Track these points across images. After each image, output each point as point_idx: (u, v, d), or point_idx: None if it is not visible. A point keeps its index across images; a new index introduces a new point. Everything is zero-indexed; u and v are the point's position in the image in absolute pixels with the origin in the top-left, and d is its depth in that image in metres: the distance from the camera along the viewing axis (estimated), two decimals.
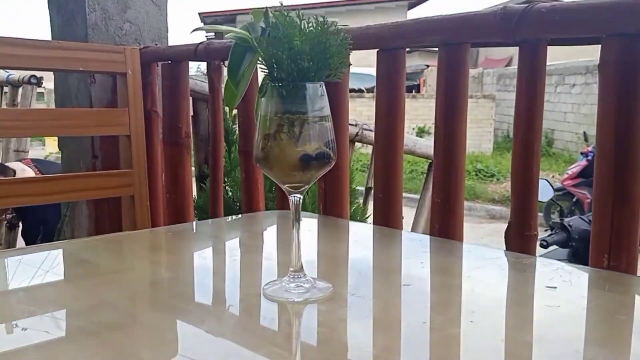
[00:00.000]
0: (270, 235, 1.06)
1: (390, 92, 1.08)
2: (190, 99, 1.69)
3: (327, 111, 0.67)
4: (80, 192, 1.25)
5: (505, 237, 0.95)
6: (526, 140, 0.91)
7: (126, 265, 0.84)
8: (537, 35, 0.88)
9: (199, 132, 2.29)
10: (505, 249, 0.96)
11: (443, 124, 1.00)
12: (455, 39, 0.98)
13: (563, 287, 0.70)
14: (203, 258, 0.89)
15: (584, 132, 7.33)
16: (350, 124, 2.38)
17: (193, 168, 2.02)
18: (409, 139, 2.41)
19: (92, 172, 1.29)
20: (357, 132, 2.30)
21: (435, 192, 1.02)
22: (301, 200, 0.70)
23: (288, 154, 0.65)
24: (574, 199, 5.95)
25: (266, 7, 0.70)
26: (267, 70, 0.66)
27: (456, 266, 0.82)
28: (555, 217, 5.75)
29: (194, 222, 1.21)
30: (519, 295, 0.69)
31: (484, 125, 10.53)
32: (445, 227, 1.01)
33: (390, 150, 1.08)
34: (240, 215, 1.16)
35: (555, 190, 6.16)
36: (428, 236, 1.01)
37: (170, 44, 1.86)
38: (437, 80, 1.01)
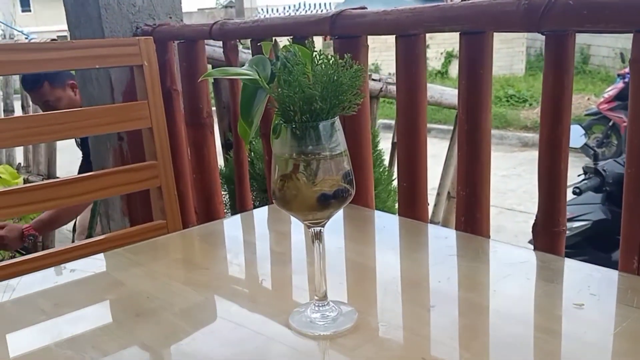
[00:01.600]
0: (299, 235, 1.06)
1: (410, 83, 1.04)
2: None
3: (343, 145, 0.66)
4: (110, 189, 1.27)
5: (532, 232, 0.94)
6: (554, 134, 0.88)
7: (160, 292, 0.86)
8: (563, 27, 0.83)
9: (220, 100, 2.27)
10: (533, 246, 0.95)
11: (466, 117, 0.97)
12: (476, 28, 0.93)
13: (590, 304, 0.70)
14: (231, 281, 0.90)
15: (621, 53, 6.99)
16: (373, 79, 2.33)
17: (218, 138, 2.02)
18: (435, 89, 2.33)
19: (120, 168, 1.31)
20: (381, 88, 2.24)
21: (460, 185, 1.00)
22: (322, 231, 0.70)
23: (305, 195, 0.65)
24: (610, 123, 5.78)
25: (274, 39, 0.67)
26: (278, 111, 0.64)
27: (482, 277, 0.82)
28: (591, 142, 5.60)
29: (224, 221, 1.21)
30: (546, 319, 0.69)
31: (515, 45, 10.09)
32: (471, 220, 1.00)
33: (412, 144, 1.06)
34: (266, 207, 1.17)
35: (590, 114, 5.97)
36: (454, 232, 1.01)
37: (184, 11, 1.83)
38: (458, 72, 0.97)
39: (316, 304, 0.72)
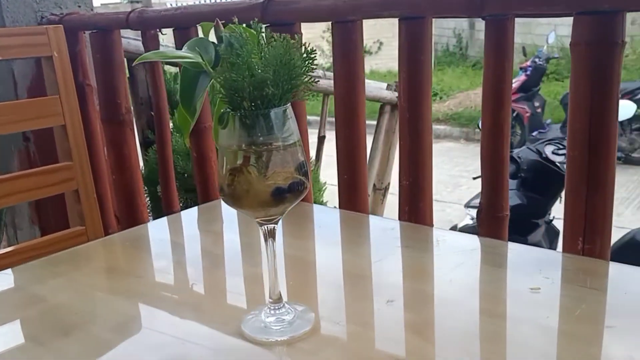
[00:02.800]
0: (233, 235, 1.00)
1: (348, 71, 1.01)
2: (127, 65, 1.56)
3: (296, 135, 0.61)
4: (18, 195, 1.14)
5: (477, 219, 0.94)
6: (495, 120, 0.88)
7: (86, 305, 0.77)
8: (505, 11, 0.83)
9: (138, 95, 2.14)
10: (478, 232, 0.95)
11: (408, 106, 0.95)
12: (416, 13, 0.91)
13: (546, 288, 0.70)
14: (163, 286, 0.83)
15: (523, 47, 7.38)
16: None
17: (137, 136, 1.90)
18: None
19: (29, 171, 1.18)
20: None
21: (403, 175, 0.98)
22: (275, 228, 0.64)
23: (258, 190, 0.59)
24: (514, 114, 6.08)
25: (216, 20, 0.61)
26: (225, 98, 0.59)
27: (436, 267, 0.80)
28: None
29: (149, 224, 1.12)
30: (507, 305, 0.68)
31: None
32: (415, 210, 0.98)
33: (352, 134, 1.03)
34: (195, 208, 1.09)
35: None
36: (398, 222, 0.99)
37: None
38: (398, 59, 0.94)
39: (270, 307, 0.67)
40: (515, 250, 0.83)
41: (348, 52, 1.00)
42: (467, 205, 2.98)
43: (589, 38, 0.75)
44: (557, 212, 2.90)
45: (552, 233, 2.87)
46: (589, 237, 0.81)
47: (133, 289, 0.78)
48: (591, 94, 0.77)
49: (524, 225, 2.68)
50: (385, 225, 0.96)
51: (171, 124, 1.77)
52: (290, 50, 0.57)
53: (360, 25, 0.99)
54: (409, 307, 0.69)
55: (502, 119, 0.87)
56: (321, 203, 1.98)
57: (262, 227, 0.64)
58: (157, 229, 1.08)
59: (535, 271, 0.75)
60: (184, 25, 1.25)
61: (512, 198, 2.83)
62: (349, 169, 1.05)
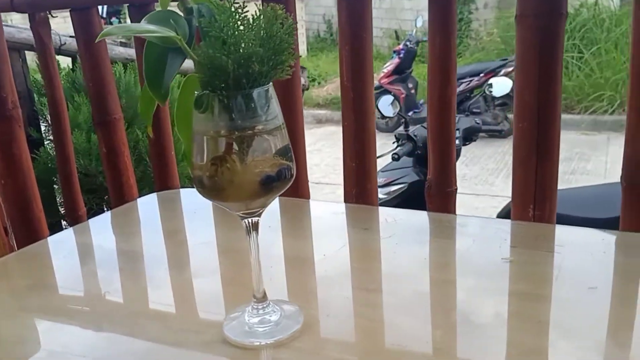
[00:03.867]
0: (155, 235, 0.92)
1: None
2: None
3: (281, 117, 0.55)
4: None
5: (426, 195, 0.94)
6: (443, 96, 0.88)
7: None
8: None
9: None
10: (427, 208, 0.95)
11: (352, 85, 0.92)
12: None
13: (517, 257, 0.71)
14: (125, 297, 0.73)
15: (395, 31, 7.68)
16: None
17: None
18: None
19: None
20: None
21: (348, 156, 0.96)
22: (259, 221, 0.59)
23: (244, 179, 0.53)
24: (392, 95, 6.33)
25: None
26: (201, 76, 0.52)
27: (405, 248, 0.78)
28: (377, 114, 6.09)
29: (48, 240, 0.97)
30: (495, 279, 0.68)
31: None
32: (362, 192, 0.97)
33: (291, 120, 0.98)
34: (108, 213, 0.99)
35: (375, 89, 6.49)
36: (344, 205, 0.96)
37: None
38: (340, 37, 0.91)
39: (254, 307, 0.61)
40: (473, 223, 0.84)
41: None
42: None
43: (537, 10, 0.77)
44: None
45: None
46: (540, 204, 0.84)
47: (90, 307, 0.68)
48: (539, 66, 0.79)
49: (423, 200, 2.78)
50: (336, 209, 0.93)
51: None
52: (275, 22, 0.51)
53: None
54: (396, 293, 0.67)
55: (450, 93, 0.87)
56: None
57: (244, 222, 0.58)
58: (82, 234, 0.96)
59: (501, 241, 0.76)
60: (81, 4, 1.12)
61: (410, 175, 2.95)
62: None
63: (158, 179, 1.19)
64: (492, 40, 7.43)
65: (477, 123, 3.02)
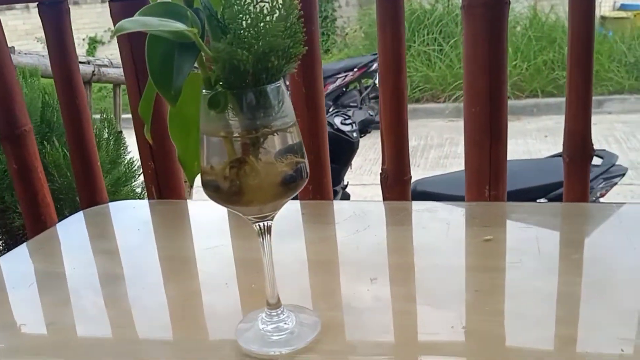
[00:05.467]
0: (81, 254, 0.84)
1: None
2: None
3: (293, 113, 0.53)
4: None
5: (382, 185, 0.95)
6: (396, 85, 0.90)
7: None
8: None
9: None
10: (384, 198, 0.96)
11: (302, 79, 0.90)
12: None
13: (496, 236, 0.74)
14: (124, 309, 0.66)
15: None
16: (81, 62, 2.00)
17: None
18: None
19: None
20: (93, 72, 1.93)
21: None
22: (271, 225, 0.56)
23: (267, 181, 0.51)
24: None
25: None
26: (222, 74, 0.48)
27: (393, 239, 0.79)
28: None
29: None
30: (484, 259, 0.71)
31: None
32: (319, 187, 0.96)
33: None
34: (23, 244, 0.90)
35: None
36: (298, 202, 0.95)
37: None
38: None
39: (268, 314, 0.58)
40: (440, 208, 0.86)
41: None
42: None
43: (484, 0, 0.81)
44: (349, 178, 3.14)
45: (346, 197, 3.10)
46: (494, 184, 0.89)
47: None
48: (488, 53, 0.83)
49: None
50: (295, 207, 0.91)
51: None
52: (292, 12, 0.49)
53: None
54: (396, 283, 0.67)
55: (402, 82, 0.89)
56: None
57: (256, 226, 0.55)
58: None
59: (473, 223, 0.79)
60: None
61: None
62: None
63: (83, 195, 1.08)
64: (357, 36, 7.72)
65: (371, 115, 3.12)
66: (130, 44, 0.95)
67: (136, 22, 0.43)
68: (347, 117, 2.91)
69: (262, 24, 0.47)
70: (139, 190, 1.62)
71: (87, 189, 1.08)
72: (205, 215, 0.96)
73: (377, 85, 3.82)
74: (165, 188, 1.02)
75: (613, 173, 2.55)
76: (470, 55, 0.85)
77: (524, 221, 0.78)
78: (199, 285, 0.71)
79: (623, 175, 2.58)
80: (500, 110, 0.86)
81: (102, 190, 1.10)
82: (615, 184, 2.61)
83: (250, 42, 0.46)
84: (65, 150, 1.28)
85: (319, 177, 0.96)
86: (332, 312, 0.61)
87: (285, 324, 0.58)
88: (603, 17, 6.89)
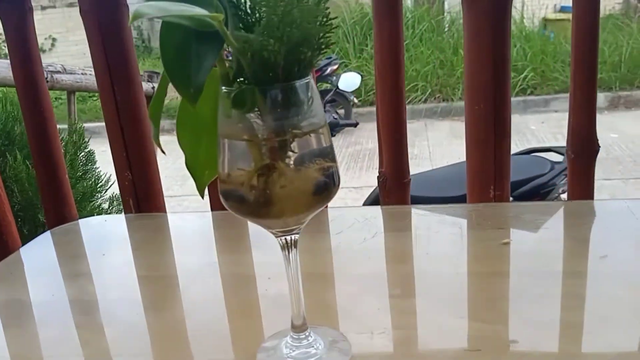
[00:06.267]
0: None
1: None
2: None
3: (323, 112, 0.47)
4: None
5: (381, 189, 0.90)
6: (394, 84, 0.85)
7: None
8: None
9: None
10: (382, 202, 0.91)
11: None
12: None
13: (514, 238, 0.71)
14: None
15: None
16: None
17: None
18: None
19: None
20: (46, 79, 1.80)
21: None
22: (297, 239, 0.50)
23: (298, 188, 0.45)
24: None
25: None
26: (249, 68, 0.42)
27: (402, 246, 0.74)
28: None
29: None
30: (504, 264, 0.67)
31: None
32: None
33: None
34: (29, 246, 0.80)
35: None
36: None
37: None
38: None
39: (293, 337, 0.52)
40: (445, 212, 0.82)
41: None
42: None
43: None
44: None
45: None
46: (499, 184, 0.85)
47: None
48: (492, 48, 0.80)
49: None
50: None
51: None
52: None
53: None
54: (421, 294, 0.62)
55: (400, 81, 0.84)
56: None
57: (281, 240, 0.49)
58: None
59: (487, 226, 0.75)
60: None
61: None
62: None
63: (50, 211, 0.99)
64: None
65: (335, 118, 3.07)
66: (104, 46, 0.87)
67: (154, 7, 0.37)
68: None
69: (295, 10, 0.41)
70: (105, 205, 1.51)
71: (54, 205, 0.99)
72: (189, 229, 0.88)
73: (339, 89, 3.75)
74: (143, 201, 0.94)
75: None
76: (472, 50, 0.82)
77: (536, 222, 0.75)
78: (186, 311, 0.64)
79: None
80: (504, 105, 0.82)
81: (72, 206, 1.00)
82: None
83: (284, 31, 0.40)
84: (28, 164, 1.18)
85: None
86: (360, 332, 0.55)
87: (313, 348, 0.52)
88: (545, 19, 7.12)
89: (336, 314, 0.60)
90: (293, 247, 0.50)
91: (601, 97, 5.26)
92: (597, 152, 0.85)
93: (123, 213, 0.97)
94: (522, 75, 5.60)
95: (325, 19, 0.43)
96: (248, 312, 0.62)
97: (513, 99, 0.85)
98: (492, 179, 0.85)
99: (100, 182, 1.54)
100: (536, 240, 0.71)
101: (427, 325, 0.56)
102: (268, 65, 0.41)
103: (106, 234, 0.89)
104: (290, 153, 0.44)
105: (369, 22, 6.82)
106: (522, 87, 5.60)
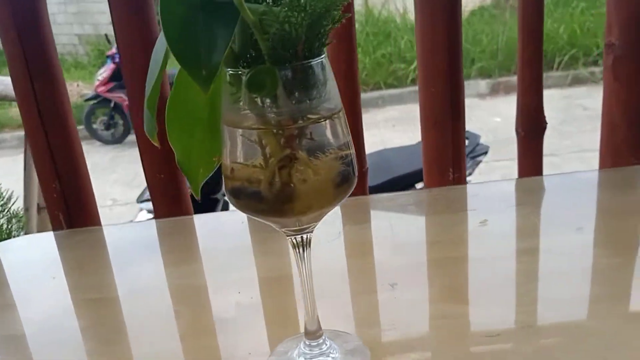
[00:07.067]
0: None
1: None
2: None
3: (338, 95, 0.43)
4: None
5: None
6: (348, 74, 0.82)
7: None
8: None
9: None
10: None
11: None
12: None
13: (490, 220, 0.70)
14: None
15: (106, 35, 7.01)
16: None
17: None
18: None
19: None
20: None
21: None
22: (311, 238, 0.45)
23: (320, 180, 0.40)
24: (112, 104, 5.88)
25: None
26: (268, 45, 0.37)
27: (379, 236, 0.71)
28: (99, 126, 5.68)
29: None
30: (490, 249, 0.66)
31: None
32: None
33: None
34: None
35: (90, 99, 5.93)
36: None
37: None
38: None
39: (307, 344, 0.48)
40: (410, 197, 0.81)
41: None
42: (140, 200, 2.75)
43: None
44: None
45: (227, 204, 2.92)
46: (457, 166, 0.85)
47: None
48: (445, 30, 0.79)
49: (208, 203, 2.65)
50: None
51: None
52: None
53: None
54: (406, 286, 0.59)
55: (353, 73, 0.81)
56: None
57: (292, 239, 0.44)
58: None
59: (458, 209, 0.75)
60: None
61: None
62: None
63: None
64: None
65: None
66: (20, 38, 0.75)
67: None
68: None
69: None
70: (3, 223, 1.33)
71: None
72: (130, 241, 0.79)
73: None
74: (76, 214, 0.83)
75: (477, 152, 2.71)
76: (425, 32, 0.80)
77: (502, 200, 0.75)
78: (132, 339, 0.56)
79: (486, 153, 2.75)
80: (458, 87, 0.82)
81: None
82: (481, 162, 2.78)
83: (308, 1, 0.36)
84: None
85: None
86: (373, 332, 0.52)
87: (328, 356, 0.48)
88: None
89: (338, 314, 0.55)
90: (308, 247, 0.45)
91: (482, 84, 5.58)
92: (544, 129, 0.88)
93: (52, 230, 0.85)
94: (412, 67, 5.82)
95: None
96: (207, 332, 0.55)
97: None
98: (451, 162, 0.85)
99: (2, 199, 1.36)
100: (511, 218, 0.71)
101: (436, 315, 0.53)
102: (289, 41, 0.36)
103: (32, 256, 0.78)
104: (307, 142, 0.39)
105: None
106: (412, 78, 5.82)
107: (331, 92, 0.41)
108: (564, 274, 0.57)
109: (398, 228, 0.72)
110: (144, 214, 2.71)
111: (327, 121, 0.40)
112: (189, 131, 0.43)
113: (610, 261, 0.58)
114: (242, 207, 0.41)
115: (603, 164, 0.88)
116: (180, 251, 0.72)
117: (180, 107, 0.41)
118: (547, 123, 0.87)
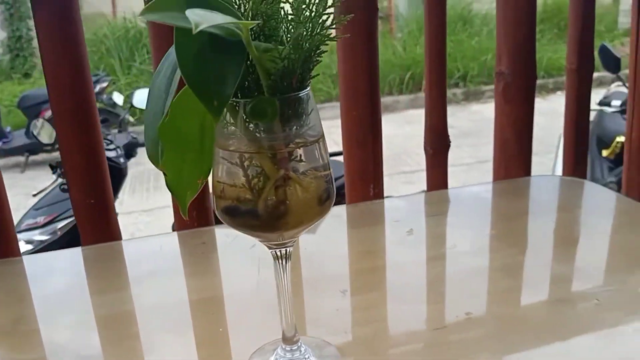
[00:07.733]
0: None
1: None
2: None
3: (320, 121, 0.48)
4: None
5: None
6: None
7: None
8: None
9: None
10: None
11: None
12: None
13: (415, 228, 0.78)
14: None
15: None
16: None
17: None
18: None
19: None
20: None
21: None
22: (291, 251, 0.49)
23: (307, 198, 0.45)
24: None
25: None
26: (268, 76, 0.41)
27: (374, 243, 0.76)
28: None
29: None
30: (421, 255, 0.73)
31: None
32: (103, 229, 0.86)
33: None
34: None
35: None
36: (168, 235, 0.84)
37: None
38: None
39: (283, 349, 0.52)
40: (339, 212, 0.87)
41: None
42: (18, 231, 2.52)
43: (355, 6, 0.84)
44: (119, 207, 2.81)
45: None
46: (377, 182, 0.92)
47: None
48: (368, 53, 0.86)
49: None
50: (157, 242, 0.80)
51: None
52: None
53: None
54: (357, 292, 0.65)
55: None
56: None
57: (276, 252, 0.48)
58: None
59: (382, 221, 0.82)
60: None
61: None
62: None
63: None
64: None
65: (134, 138, 2.85)
66: None
67: (201, 16, 0.34)
68: (109, 141, 2.62)
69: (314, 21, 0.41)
70: None
71: None
72: (52, 271, 0.75)
73: (134, 106, 3.46)
74: None
75: None
76: (347, 60, 0.87)
77: (428, 212, 0.84)
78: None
79: None
80: (376, 106, 0.90)
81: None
82: None
83: (305, 38, 0.41)
84: None
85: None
86: (339, 338, 0.56)
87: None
88: None
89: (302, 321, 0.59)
90: (289, 259, 0.49)
91: None
92: (449, 146, 0.98)
93: None
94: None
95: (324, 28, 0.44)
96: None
97: None
98: (372, 178, 0.92)
99: None
100: (439, 226, 0.79)
101: (394, 319, 0.60)
102: (287, 74, 0.41)
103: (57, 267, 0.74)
104: (297, 164, 0.44)
105: (135, 38, 6.49)
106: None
107: (315, 120, 0.45)
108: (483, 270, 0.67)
109: (336, 240, 0.77)
110: (22, 244, 2.48)
111: (315, 144, 0.45)
112: (181, 155, 0.45)
113: (516, 257, 0.69)
114: (235, 225, 0.44)
115: (497, 176, 1.01)
116: (107, 278, 0.71)
117: (174, 132, 0.44)
118: (451, 141, 0.98)
